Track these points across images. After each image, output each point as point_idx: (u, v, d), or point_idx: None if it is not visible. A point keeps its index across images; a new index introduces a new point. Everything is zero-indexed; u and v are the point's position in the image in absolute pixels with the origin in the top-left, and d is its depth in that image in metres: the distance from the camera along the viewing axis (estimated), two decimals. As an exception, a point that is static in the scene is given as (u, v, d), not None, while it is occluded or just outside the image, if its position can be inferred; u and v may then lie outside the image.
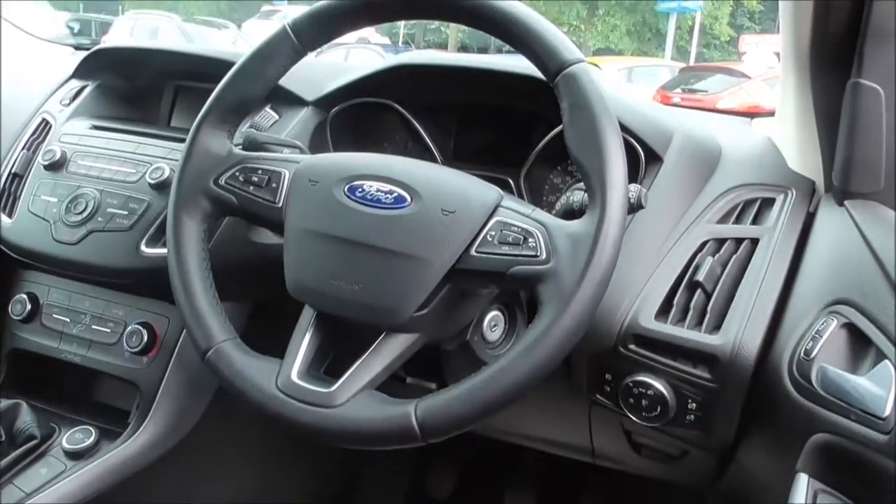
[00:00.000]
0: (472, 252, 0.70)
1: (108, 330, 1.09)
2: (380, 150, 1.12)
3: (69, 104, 1.22)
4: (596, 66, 11.05)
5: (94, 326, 1.10)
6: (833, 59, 0.87)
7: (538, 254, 0.68)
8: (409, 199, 0.74)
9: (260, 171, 0.81)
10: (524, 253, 0.69)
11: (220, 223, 0.98)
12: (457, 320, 0.81)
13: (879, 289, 0.69)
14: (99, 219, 1.05)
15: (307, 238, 0.77)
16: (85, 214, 1.05)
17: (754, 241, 0.87)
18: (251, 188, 0.81)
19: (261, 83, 0.83)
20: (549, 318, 0.65)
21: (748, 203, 0.93)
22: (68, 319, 1.12)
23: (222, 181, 0.82)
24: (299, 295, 0.77)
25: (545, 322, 0.66)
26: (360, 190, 0.75)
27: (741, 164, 0.99)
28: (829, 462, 0.67)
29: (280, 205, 0.79)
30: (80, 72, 1.27)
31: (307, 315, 0.77)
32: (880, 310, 0.67)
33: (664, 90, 9.39)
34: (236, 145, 0.86)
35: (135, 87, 1.27)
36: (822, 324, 0.72)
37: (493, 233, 0.71)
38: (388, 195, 0.74)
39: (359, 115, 1.10)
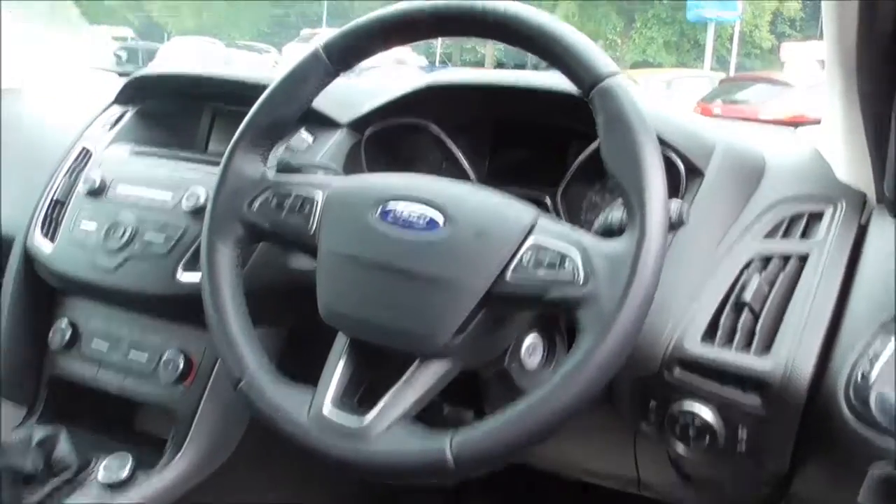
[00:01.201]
0: (508, 276, 0.68)
1: (146, 357, 1.09)
2: (414, 170, 1.11)
3: (110, 130, 1.24)
4: (633, 80, 10.99)
5: (131, 353, 1.10)
6: (881, 62, 0.83)
7: (575, 277, 0.66)
8: (442, 221, 0.72)
9: (293, 195, 0.80)
10: (560, 276, 0.66)
11: (256, 248, 0.97)
12: (493, 346, 0.79)
13: None
14: (136, 245, 1.05)
15: (340, 263, 0.76)
16: (123, 241, 1.06)
17: (803, 258, 0.83)
18: (284, 212, 0.80)
19: (294, 106, 0.83)
20: (589, 345, 0.63)
21: (795, 217, 0.89)
22: (107, 347, 1.12)
23: (255, 206, 0.81)
24: (332, 321, 0.76)
25: (585, 349, 0.63)
26: (392, 213, 0.74)
27: (787, 177, 0.95)
28: (891, 493, 0.63)
29: (313, 229, 0.78)
30: (121, 98, 1.29)
31: (341, 341, 0.76)
32: None
33: (704, 102, 9.27)
34: (270, 169, 0.86)
35: (173, 112, 1.28)
36: (880, 344, 0.68)
37: (528, 255, 0.68)
38: (420, 218, 0.73)
39: (393, 136, 1.09)
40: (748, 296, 0.80)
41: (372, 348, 0.74)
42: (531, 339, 0.84)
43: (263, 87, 0.84)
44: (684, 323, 0.81)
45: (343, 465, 0.69)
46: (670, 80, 11.05)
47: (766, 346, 0.77)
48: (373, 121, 1.08)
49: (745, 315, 0.80)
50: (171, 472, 1.04)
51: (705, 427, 0.79)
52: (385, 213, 0.74)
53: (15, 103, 1.46)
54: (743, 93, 9.29)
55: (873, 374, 0.66)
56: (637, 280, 0.63)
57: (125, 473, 1.01)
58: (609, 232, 0.77)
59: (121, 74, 1.62)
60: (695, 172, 0.91)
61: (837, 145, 0.96)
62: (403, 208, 0.74)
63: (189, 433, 1.06)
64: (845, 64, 0.87)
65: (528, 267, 0.68)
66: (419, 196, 0.74)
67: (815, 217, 0.88)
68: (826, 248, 0.83)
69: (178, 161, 1.14)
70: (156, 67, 1.32)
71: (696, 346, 0.79)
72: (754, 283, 0.81)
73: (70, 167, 1.19)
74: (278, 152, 1.04)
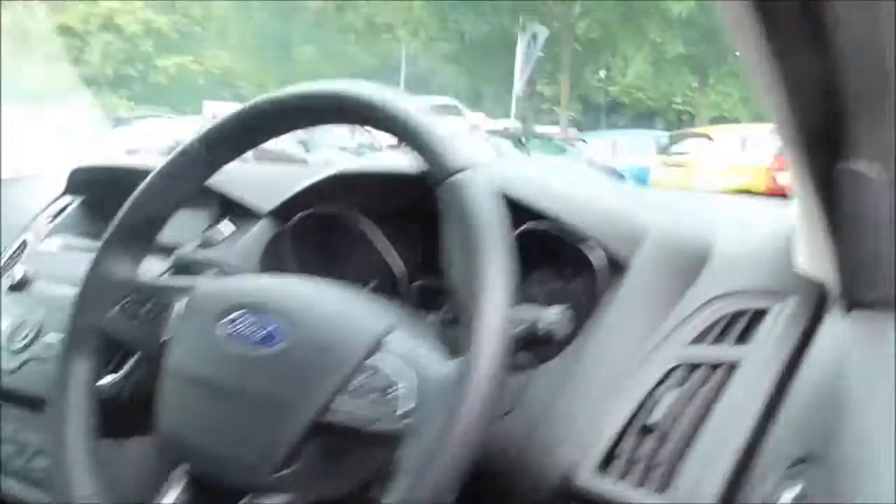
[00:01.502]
0: (336, 401, 0.59)
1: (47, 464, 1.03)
2: (343, 263, 1.03)
3: (51, 222, 1.22)
4: (706, 135, 10.68)
5: (35, 460, 1.04)
6: (825, 134, 0.70)
7: (396, 408, 0.56)
8: (281, 333, 0.63)
9: (151, 302, 0.74)
10: (384, 407, 0.56)
11: None
12: (346, 476, 0.69)
13: (846, 450, 0.50)
14: (37, 346, 1.01)
15: (178, 381, 0.68)
16: (26, 341, 1.02)
17: (733, 367, 0.70)
18: (136, 322, 0.73)
19: (168, 203, 0.78)
20: (399, 496, 0.52)
21: (736, 316, 0.75)
22: (12, 450, 1.07)
23: (113, 313, 0.75)
24: (164, 447, 0.68)
25: (393, 500, 0.52)
26: (234, 323, 0.66)
27: (734, 266, 0.82)
28: None
29: (163, 340, 0.71)
30: (69, 188, 1.27)
31: (178, 471, 0.68)
32: (837, 484, 0.48)
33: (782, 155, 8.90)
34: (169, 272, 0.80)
35: (118, 202, 1.25)
36: (785, 490, 0.53)
37: (363, 377, 0.59)
38: (260, 329, 0.64)
39: (321, 226, 1.02)
40: (658, 415, 0.67)
41: (208, 479, 0.66)
42: None
43: None
44: (582, 449, 0.68)
45: None
46: (745, 136, 10.63)
47: (668, 480, 0.64)
48: (294, 210, 1.01)
49: (650, 440, 0.67)
50: None
51: None
52: (228, 324, 0.66)
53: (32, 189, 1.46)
54: (824, 145, 8.86)
55: None
56: (464, 412, 0.53)
57: None
58: (533, 341, 0.67)
59: None
60: (618, 267, 0.79)
61: (800, 229, 0.82)
62: (245, 318, 0.66)
63: None
64: (789, 133, 0.74)
65: (360, 391, 0.58)
66: (264, 303, 0.66)
67: (760, 315, 0.75)
68: (762, 355, 0.69)
69: None
70: (91, 158, 1.29)
71: (588, 479, 0.67)
72: (668, 399, 0.68)
73: (6, 261, 1.17)
74: (194, 245, 0.99)
